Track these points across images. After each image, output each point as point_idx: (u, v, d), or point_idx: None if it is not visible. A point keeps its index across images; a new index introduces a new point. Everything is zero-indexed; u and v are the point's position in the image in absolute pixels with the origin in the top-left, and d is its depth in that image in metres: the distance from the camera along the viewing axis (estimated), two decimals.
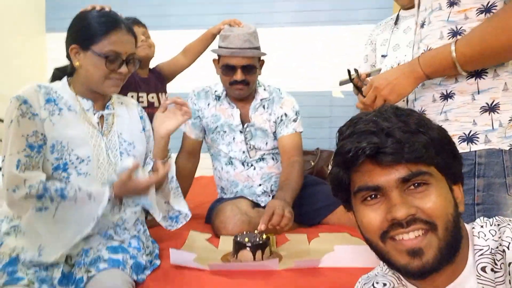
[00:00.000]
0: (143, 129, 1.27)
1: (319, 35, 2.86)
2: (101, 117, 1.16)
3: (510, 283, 0.55)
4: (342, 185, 0.66)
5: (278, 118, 1.65)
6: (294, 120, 1.65)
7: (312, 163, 2.64)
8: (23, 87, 1.07)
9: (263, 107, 1.66)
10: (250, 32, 1.55)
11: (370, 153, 0.60)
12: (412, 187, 0.60)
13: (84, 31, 1.11)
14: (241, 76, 1.53)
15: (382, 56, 1.80)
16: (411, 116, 0.63)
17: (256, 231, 1.21)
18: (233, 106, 1.65)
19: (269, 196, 1.65)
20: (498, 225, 0.62)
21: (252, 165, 1.65)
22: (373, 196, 0.62)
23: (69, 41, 1.13)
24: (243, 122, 1.65)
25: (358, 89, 1.75)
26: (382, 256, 0.63)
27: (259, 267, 1.08)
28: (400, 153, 0.59)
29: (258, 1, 2.90)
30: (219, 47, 1.59)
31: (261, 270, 1.08)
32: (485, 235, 0.62)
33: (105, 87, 1.11)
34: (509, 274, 0.55)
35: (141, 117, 1.28)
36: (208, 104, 1.68)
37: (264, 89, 1.68)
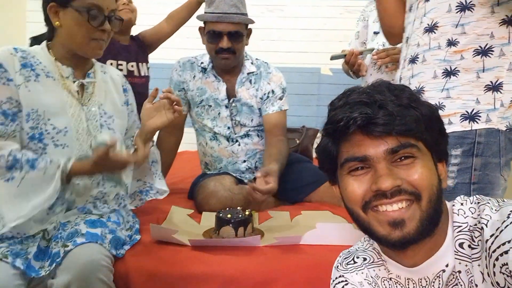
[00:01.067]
0: (126, 102, 1.22)
1: (309, 9, 2.79)
2: (81, 85, 1.09)
3: (485, 259, 0.56)
4: (330, 157, 0.66)
5: (264, 94, 1.62)
6: (280, 98, 1.62)
7: (297, 141, 2.63)
8: None
9: (250, 81, 1.62)
10: None
11: (361, 123, 0.60)
12: (399, 160, 0.61)
13: None
14: (227, 43, 1.48)
15: (374, 33, 1.77)
16: (404, 91, 0.64)
17: (239, 208, 1.20)
18: (219, 79, 1.60)
19: (253, 173, 1.64)
20: (478, 203, 0.63)
21: (237, 140, 1.62)
22: (359, 168, 0.63)
23: (46, 0, 1.05)
24: (229, 97, 1.61)
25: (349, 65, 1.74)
26: (363, 226, 0.64)
27: (240, 243, 1.08)
28: (391, 124, 0.59)
29: None
30: (205, 12, 1.54)
31: (243, 246, 1.08)
32: (464, 213, 0.63)
33: (90, 49, 1.05)
34: (486, 251, 0.56)
35: (124, 89, 1.23)
36: (194, 77, 1.63)
37: (252, 63, 1.63)
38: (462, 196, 0.66)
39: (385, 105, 0.61)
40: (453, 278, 0.61)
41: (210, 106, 1.61)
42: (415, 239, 0.60)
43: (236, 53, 1.52)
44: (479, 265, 0.58)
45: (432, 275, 0.63)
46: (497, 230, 0.56)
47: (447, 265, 0.62)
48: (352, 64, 1.70)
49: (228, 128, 1.61)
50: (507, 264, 0.53)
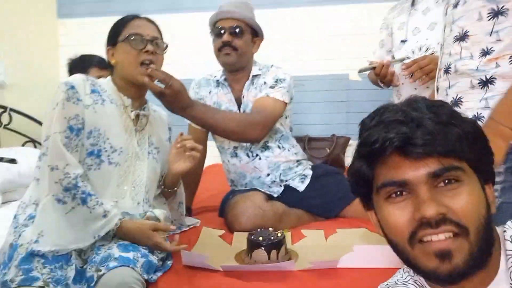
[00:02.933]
0: (169, 139, 1.36)
1: (334, 15, 2.73)
2: (137, 115, 1.22)
3: None
4: (364, 180, 0.61)
5: (259, 88, 1.57)
6: (271, 87, 1.54)
7: (328, 150, 2.57)
8: (70, 77, 1.16)
9: (252, 83, 1.59)
10: (243, 1, 1.57)
11: (398, 144, 0.55)
12: (442, 184, 0.55)
13: (111, 32, 1.21)
14: (227, 37, 1.51)
15: (402, 41, 1.70)
16: (443, 107, 0.58)
17: (270, 229, 1.16)
18: (229, 89, 1.60)
19: (280, 186, 1.60)
20: None
21: (257, 155, 1.58)
22: (398, 193, 0.57)
23: (105, 48, 1.22)
24: (239, 106, 1.60)
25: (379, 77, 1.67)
26: (408, 261, 0.58)
27: (274, 268, 1.04)
28: (431, 144, 0.54)
29: None
30: (213, 19, 1.58)
31: (277, 271, 1.04)
32: None
33: (139, 73, 1.15)
34: None
35: (169, 128, 1.38)
36: (210, 92, 1.64)
37: (259, 69, 1.61)
38: None
39: (423, 123, 0.55)
40: None
41: None
42: (465, 272, 0.54)
43: (237, 49, 1.52)
44: None
45: None
46: None
47: None
48: (383, 75, 1.63)
49: None
50: None
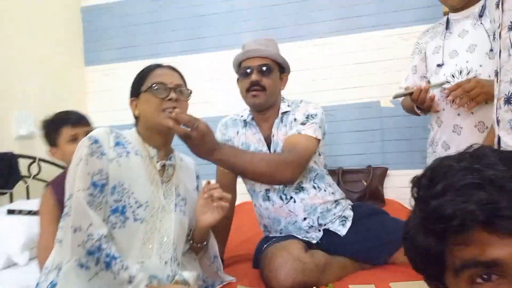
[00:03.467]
0: (197, 188, 1.28)
1: (361, 42, 2.64)
2: (163, 166, 1.15)
3: None
4: (433, 259, 0.50)
5: (289, 126, 1.47)
6: (303, 123, 1.43)
7: (365, 183, 2.41)
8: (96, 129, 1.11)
9: (282, 121, 1.49)
10: (267, 38, 1.51)
11: (484, 219, 0.44)
12: None
13: (134, 83, 1.18)
14: (255, 76, 1.43)
15: (438, 65, 1.57)
16: None
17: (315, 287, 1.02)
18: (257, 128, 1.51)
19: (319, 230, 1.46)
20: None
21: (291, 197, 1.46)
22: (485, 276, 0.46)
23: (129, 100, 1.19)
24: (269, 146, 1.49)
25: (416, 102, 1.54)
26: None
27: None
28: None
29: (295, 12, 2.74)
30: (236, 60, 1.52)
31: None
32: None
33: (161, 118, 1.10)
34: None
35: (197, 177, 1.30)
36: (237, 132, 1.56)
37: (288, 105, 1.52)
38: None
39: (506, 185, 0.45)
40: None
41: None
42: None
43: (266, 89, 1.44)
44: None
45: None
46: None
47: None
48: (421, 101, 1.50)
49: None
50: None
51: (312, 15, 2.71)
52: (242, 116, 1.58)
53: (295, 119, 1.47)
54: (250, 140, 1.53)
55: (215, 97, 2.79)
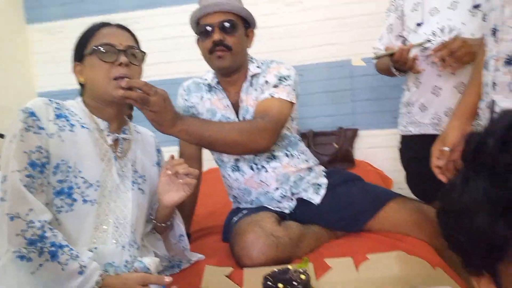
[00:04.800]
0: (158, 163, 1.15)
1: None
2: (116, 140, 1.02)
3: None
4: (493, 246, 0.39)
5: (260, 88, 1.33)
6: (275, 86, 1.30)
7: (336, 146, 2.35)
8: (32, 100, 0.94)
9: (251, 84, 1.35)
10: None
11: None
12: None
13: (77, 46, 1.02)
14: (218, 35, 1.26)
15: (418, 24, 1.46)
16: None
17: (289, 267, 0.94)
18: (223, 94, 1.36)
19: (292, 200, 1.38)
20: None
21: (263, 167, 1.35)
22: None
23: (72, 65, 1.04)
24: (237, 112, 1.36)
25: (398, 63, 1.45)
26: None
27: None
28: None
29: None
30: (193, 16, 1.32)
31: None
32: None
33: (110, 89, 0.96)
34: None
35: (158, 150, 1.17)
36: (202, 98, 1.40)
37: (257, 67, 1.37)
38: None
39: None
40: None
41: None
42: None
43: (231, 48, 1.27)
44: None
45: None
46: None
47: None
48: (403, 61, 1.40)
49: None
50: None
51: None
52: (206, 79, 1.41)
53: (266, 82, 1.33)
54: (216, 106, 1.38)
55: (175, 57, 2.58)
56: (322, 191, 1.39)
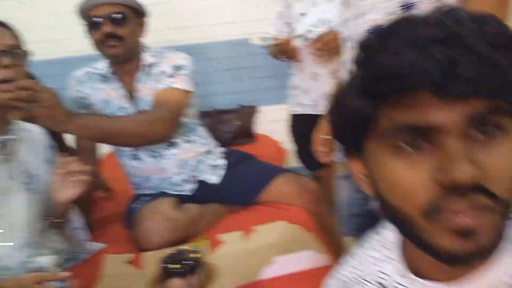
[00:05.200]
0: (49, 161, 1.12)
1: None
2: (2, 143, 0.99)
3: None
4: (360, 121, 0.42)
5: (157, 79, 1.37)
6: (171, 76, 1.35)
7: (238, 123, 2.48)
8: None
9: (148, 74, 1.38)
10: None
11: (439, 80, 0.35)
12: (479, 135, 0.38)
13: None
14: (108, 27, 1.25)
15: (301, 14, 1.61)
16: (493, 21, 0.38)
17: (186, 247, 1.05)
18: (120, 85, 1.37)
19: (193, 182, 1.47)
20: None
21: (162, 154, 1.40)
22: (413, 144, 0.39)
23: None
24: (132, 101, 1.38)
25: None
26: (414, 234, 0.41)
27: None
28: (483, 78, 0.35)
29: None
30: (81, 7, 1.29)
31: None
32: None
33: None
34: None
35: (47, 146, 1.14)
36: (94, 88, 1.38)
37: (153, 55, 1.39)
38: None
39: (473, 45, 0.36)
40: None
41: None
42: (486, 253, 0.40)
43: (124, 39, 1.28)
44: None
45: None
46: None
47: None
48: (285, 52, 1.55)
49: None
50: None
51: None
52: (98, 68, 1.39)
53: (162, 72, 1.36)
54: (111, 96, 1.37)
55: (64, 35, 2.41)
56: (221, 171, 1.51)
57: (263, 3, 2.50)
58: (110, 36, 1.26)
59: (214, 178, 1.49)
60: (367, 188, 0.46)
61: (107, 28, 1.25)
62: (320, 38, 1.45)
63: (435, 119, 0.37)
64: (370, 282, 0.52)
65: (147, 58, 1.38)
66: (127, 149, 1.41)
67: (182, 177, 1.45)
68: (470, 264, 0.40)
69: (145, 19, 1.39)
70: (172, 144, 1.42)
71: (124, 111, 1.37)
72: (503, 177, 0.38)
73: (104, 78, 1.38)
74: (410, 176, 0.39)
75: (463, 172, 0.36)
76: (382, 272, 0.51)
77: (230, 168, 1.53)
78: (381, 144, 0.41)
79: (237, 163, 1.55)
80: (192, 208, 1.35)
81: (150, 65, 1.38)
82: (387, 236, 0.53)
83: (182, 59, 1.39)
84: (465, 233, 0.38)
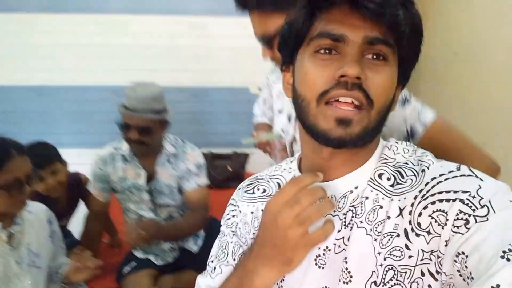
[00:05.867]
0: (50, 234, 1.30)
1: (233, 28, 2.69)
2: (10, 233, 1.15)
3: (414, 198, 0.54)
4: (297, 32, 0.57)
5: (182, 173, 1.67)
6: (196, 174, 1.67)
7: (230, 169, 2.72)
8: None
9: (169, 161, 1.66)
10: (150, 96, 1.51)
11: None
12: (370, 56, 0.53)
13: None
14: (135, 135, 1.51)
15: (279, 111, 1.73)
16: None
17: None
18: (140, 166, 1.64)
19: (176, 250, 1.75)
20: (414, 148, 0.61)
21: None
22: (327, 51, 0.54)
23: None
24: (149, 180, 1.66)
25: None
26: (305, 118, 0.56)
27: None
28: (386, 7, 0.50)
29: None
30: (122, 103, 1.55)
31: None
32: (397, 149, 0.61)
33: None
34: (419, 191, 0.53)
35: (48, 221, 1.31)
36: (115, 168, 1.66)
37: (172, 144, 1.67)
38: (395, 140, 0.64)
39: None
40: (359, 202, 0.58)
41: (132, 192, 1.65)
42: (354, 142, 0.53)
43: (146, 144, 1.55)
44: (399, 200, 0.55)
45: (339, 195, 0.60)
46: (441, 176, 0.53)
47: (356, 187, 0.59)
48: (263, 149, 1.77)
49: (152, 210, 1.68)
50: (444, 211, 0.50)
51: None
52: (120, 150, 1.64)
53: (189, 170, 1.65)
54: (129, 174, 1.64)
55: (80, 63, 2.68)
56: (200, 241, 1.79)
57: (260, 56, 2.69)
58: (136, 141, 1.53)
59: (194, 246, 1.77)
60: (288, 93, 0.62)
61: (135, 135, 1.51)
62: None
63: (346, 33, 0.52)
64: (272, 182, 0.71)
65: (167, 146, 1.65)
66: (134, 213, 1.69)
67: (170, 245, 1.73)
68: (344, 148, 0.54)
69: (168, 123, 1.63)
70: (170, 217, 1.71)
71: (137, 188, 1.64)
72: (378, 90, 0.52)
73: (125, 158, 1.64)
74: (318, 72, 0.53)
75: (352, 69, 0.50)
76: (283, 177, 0.70)
77: (209, 237, 1.80)
78: (308, 49, 0.55)
79: (215, 233, 1.82)
80: (168, 282, 1.65)
81: (171, 155, 1.65)
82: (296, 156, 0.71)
83: (200, 156, 1.69)
84: (342, 121, 0.52)
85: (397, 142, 0.62)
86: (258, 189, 0.71)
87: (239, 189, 0.74)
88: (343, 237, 0.58)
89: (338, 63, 0.52)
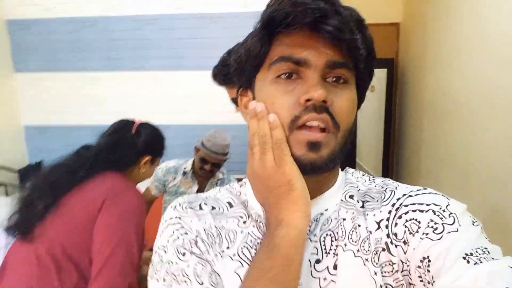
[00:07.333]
0: None
1: None
2: None
3: (389, 213, 0.55)
4: (255, 55, 0.56)
5: None
6: None
7: None
8: None
9: (216, 184, 2.08)
10: (225, 144, 1.98)
11: (313, 20, 0.50)
12: (330, 79, 0.54)
13: None
14: (208, 167, 1.98)
15: None
16: (353, 10, 0.55)
17: None
18: (195, 181, 2.04)
19: None
20: (371, 178, 0.62)
21: None
22: (288, 75, 0.54)
23: None
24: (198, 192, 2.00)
25: None
26: None
27: None
28: (344, 32, 0.50)
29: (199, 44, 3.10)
30: (203, 144, 1.97)
31: None
32: (357, 177, 0.63)
33: None
34: (392, 206, 0.55)
35: None
36: (174, 178, 2.04)
37: (221, 172, 2.10)
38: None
39: (340, 10, 0.52)
40: (337, 225, 0.57)
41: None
42: (326, 164, 0.53)
43: (214, 173, 2.02)
44: (374, 214, 0.56)
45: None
46: (411, 192, 0.55)
47: (326, 209, 0.59)
48: None
49: None
50: (417, 220, 0.51)
51: None
52: (185, 167, 2.05)
53: None
54: (183, 184, 2.04)
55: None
56: None
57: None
58: (206, 171, 1.96)
59: None
60: (247, 119, 0.58)
61: (208, 167, 1.96)
62: None
63: (308, 56, 0.52)
64: (222, 202, 0.65)
65: (218, 174, 2.07)
66: None
67: None
68: (316, 173, 0.54)
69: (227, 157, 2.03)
70: None
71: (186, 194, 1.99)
72: (343, 113, 0.53)
73: (185, 173, 2.04)
74: (283, 99, 0.53)
75: (318, 93, 0.50)
76: (235, 198, 0.65)
77: None
78: (268, 74, 0.55)
79: None
80: None
81: (218, 180, 2.08)
82: None
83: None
84: (313, 145, 0.52)
85: (352, 172, 0.64)
86: (206, 204, 0.63)
87: (176, 206, 0.62)
88: (327, 267, 0.55)
89: (301, 87, 0.53)
